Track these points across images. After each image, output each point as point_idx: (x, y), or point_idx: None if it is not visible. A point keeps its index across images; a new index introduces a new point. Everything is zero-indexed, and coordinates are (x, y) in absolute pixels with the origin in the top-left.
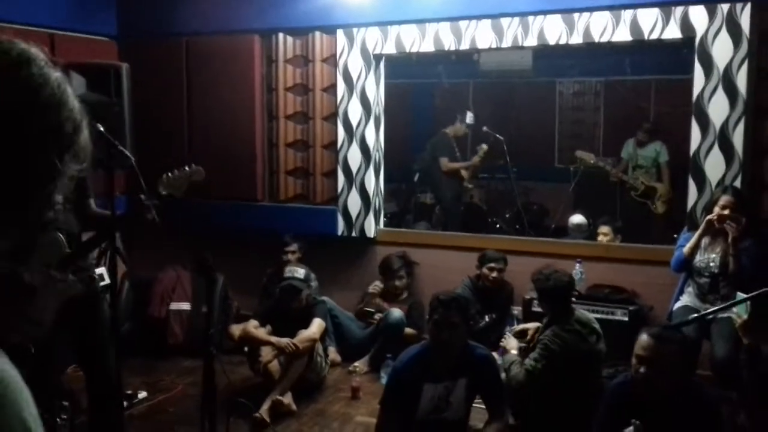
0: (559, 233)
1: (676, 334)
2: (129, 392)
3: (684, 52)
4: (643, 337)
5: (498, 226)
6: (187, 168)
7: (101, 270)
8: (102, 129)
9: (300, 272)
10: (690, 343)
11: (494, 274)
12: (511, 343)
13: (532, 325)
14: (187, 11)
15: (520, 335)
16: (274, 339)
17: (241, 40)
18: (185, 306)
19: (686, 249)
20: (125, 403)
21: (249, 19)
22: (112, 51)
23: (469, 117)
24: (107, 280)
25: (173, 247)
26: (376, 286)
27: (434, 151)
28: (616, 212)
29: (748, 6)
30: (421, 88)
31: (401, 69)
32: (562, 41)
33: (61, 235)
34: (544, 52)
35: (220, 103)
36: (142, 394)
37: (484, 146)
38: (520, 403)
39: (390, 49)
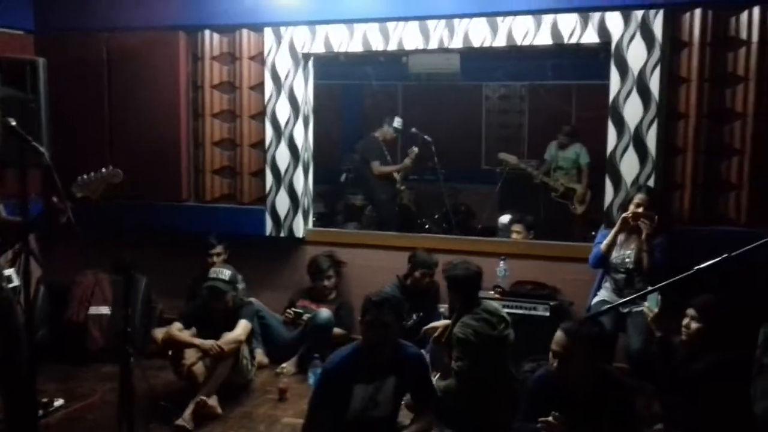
0: (486, 233)
1: (587, 329)
2: (45, 400)
3: (602, 57)
4: (558, 333)
5: (426, 227)
6: (104, 170)
7: (10, 271)
8: (14, 123)
9: (225, 273)
10: (602, 336)
11: (426, 280)
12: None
13: (441, 323)
14: (108, 5)
15: (431, 332)
16: (198, 341)
17: (166, 36)
18: (105, 310)
19: (603, 246)
20: (40, 412)
21: (173, 15)
22: (28, 46)
23: (397, 122)
24: (16, 282)
25: (92, 249)
26: (289, 313)
27: (364, 154)
28: (540, 212)
29: (661, 13)
30: (351, 90)
31: (331, 70)
32: (486, 44)
33: None
34: (471, 56)
35: (143, 101)
36: (59, 402)
37: (415, 149)
38: (448, 409)
39: (318, 48)
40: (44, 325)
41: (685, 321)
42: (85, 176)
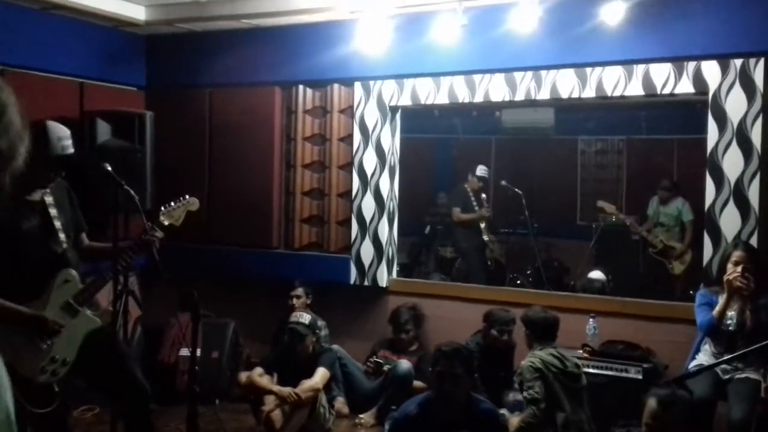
0: (579, 291)
1: (681, 396)
2: None
3: (698, 108)
4: (651, 404)
5: (518, 282)
6: (182, 199)
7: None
8: (110, 169)
9: (305, 318)
10: (691, 401)
11: (504, 337)
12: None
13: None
14: (211, 64)
15: None
16: (276, 388)
17: (263, 91)
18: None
19: (716, 313)
20: None
21: (270, 71)
22: (139, 100)
23: (480, 170)
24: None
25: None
26: (370, 363)
27: (450, 202)
28: (638, 269)
29: (762, 61)
30: (444, 144)
31: (425, 124)
32: (575, 95)
33: (74, 272)
34: (565, 110)
35: (240, 152)
36: None
37: (484, 195)
38: None
39: (405, 101)
40: (139, 365)
41: None
42: (169, 205)
